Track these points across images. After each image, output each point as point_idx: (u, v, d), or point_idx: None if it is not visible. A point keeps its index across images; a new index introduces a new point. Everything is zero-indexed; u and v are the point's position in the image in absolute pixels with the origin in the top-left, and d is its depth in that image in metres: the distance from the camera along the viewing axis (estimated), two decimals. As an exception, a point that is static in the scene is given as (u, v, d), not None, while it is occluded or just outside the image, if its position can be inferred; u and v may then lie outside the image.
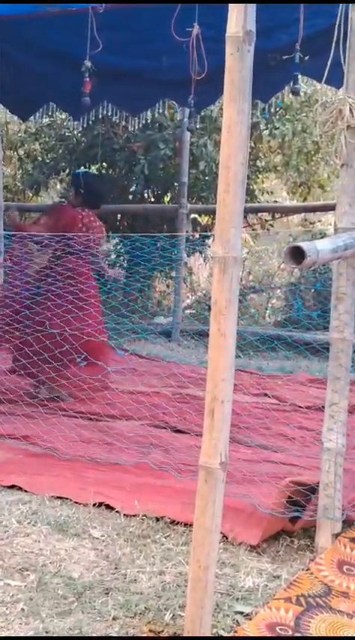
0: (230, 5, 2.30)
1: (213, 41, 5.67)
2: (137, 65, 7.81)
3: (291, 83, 6.59)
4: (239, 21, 2.28)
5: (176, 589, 2.89)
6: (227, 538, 3.34)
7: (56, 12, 7.86)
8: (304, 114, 11.91)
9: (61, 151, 12.73)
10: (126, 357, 7.30)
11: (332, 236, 3.23)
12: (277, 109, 11.36)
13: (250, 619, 2.69)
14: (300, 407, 5.92)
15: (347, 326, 3.24)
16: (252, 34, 2.29)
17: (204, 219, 12.49)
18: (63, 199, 12.62)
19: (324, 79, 3.49)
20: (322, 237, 8.88)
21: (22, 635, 2.53)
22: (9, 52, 8.21)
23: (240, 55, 2.29)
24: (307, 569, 3.10)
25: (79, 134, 12.15)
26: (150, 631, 2.60)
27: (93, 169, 12.50)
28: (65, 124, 12.48)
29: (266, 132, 11.91)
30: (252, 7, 2.29)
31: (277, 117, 11.71)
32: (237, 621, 2.69)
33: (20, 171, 13.74)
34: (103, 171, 12.44)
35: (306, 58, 6.05)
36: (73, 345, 5.50)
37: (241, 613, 2.75)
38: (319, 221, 12.91)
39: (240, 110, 2.32)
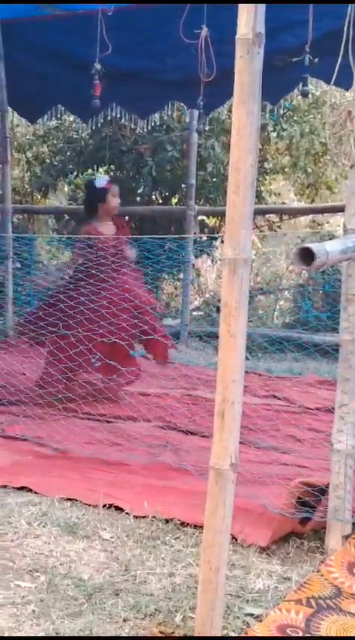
0: (239, 7, 2.30)
1: (221, 43, 5.69)
2: (145, 67, 7.83)
3: (300, 85, 6.60)
4: (248, 23, 2.29)
5: (186, 591, 2.89)
6: (236, 540, 3.34)
7: (64, 14, 7.89)
8: (312, 115, 11.91)
9: (68, 154, 12.75)
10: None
11: (342, 237, 3.23)
12: (285, 111, 11.37)
13: (260, 621, 2.69)
14: (310, 408, 5.92)
15: (357, 327, 3.24)
16: (262, 36, 2.29)
17: (211, 221, 12.50)
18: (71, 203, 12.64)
19: (333, 80, 3.49)
20: (330, 239, 8.88)
21: (32, 635, 2.54)
22: (17, 55, 8.26)
23: (249, 57, 2.29)
24: (317, 571, 3.10)
25: (87, 136, 12.18)
26: (161, 632, 2.61)
27: (101, 171, 12.52)
28: (73, 126, 12.50)
29: (273, 133, 11.91)
30: (261, 10, 2.29)
31: (285, 118, 11.71)
32: (248, 623, 2.69)
33: (28, 173, 13.77)
34: (111, 173, 12.46)
35: (316, 60, 6.05)
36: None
37: (251, 615, 2.75)
38: (327, 222, 12.90)
39: (249, 112, 2.32)
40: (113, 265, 5.73)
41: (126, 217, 12.18)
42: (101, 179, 6.07)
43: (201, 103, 6.87)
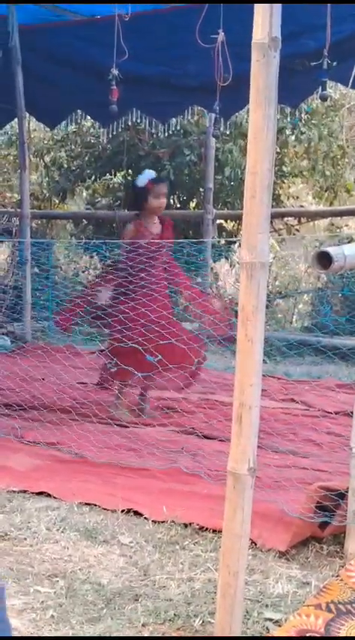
0: (255, 12, 2.30)
1: (238, 47, 5.68)
2: (162, 72, 7.85)
3: (320, 89, 6.59)
4: (264, 27, 2.28)
5: (205, 595, 2.89)
6: (256, 544, 3.33)
7: (81, 20, 7.94)
8: (330, 118, 11.88)
9: (86, 158, 12.79)
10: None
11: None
12: (304, 114, 11.34)
13: (280, 626, 2.68)
14: (328, 412, 5.90)
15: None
16: (278, 40, 2.29)
17: (229, 225, 12.50)
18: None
19: (350, 83, 3.49)
20: (349, 242, 8.84)
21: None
22: (35, 61, 8.30)
23: (265, 61, 2.29)
24: (337, 576, 3.08)
25: (105, 141, 12.20)
26: (180, 638, 2.60)
27: (119, 176, 12.55)
28: (91, 131, 12.53)
29: (292, 137, 11.90)
30: (277, 14, 2.29)
31: (303, 122, 11.69)
32: (267, 628, 2.68)
33: (46, 178, 13.82)
34: (129, 178, 12.47)
35: (334, 64, 6.04)
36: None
37: (271, 620, 2.74)
38: (346, 225, 12.85)
39: (266, 116, 2.32)
40: (160, 266, 5.71)
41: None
42: (143, 177, 5.91)
43: (218, 107, 6.86)
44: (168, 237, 5.91)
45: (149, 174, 5.94)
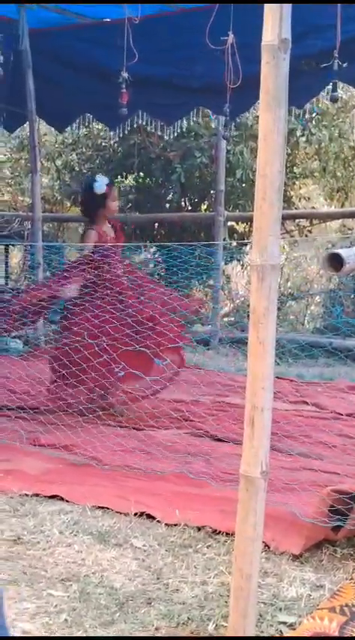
0: (265, 13, 2.29)
1: (247, 48, 5.68)
2: (172, 74, 7.86)
3: (330, 89, 6.58)
4: (274, 29, 2.28)
5: (219, 599, 2.88)
6: (269, 547, 3.32)
7: (91, 24, 7.96)
8: (340, 119, 11.86)
9: (97, 161, 12.81)
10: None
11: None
12: (312, 115, 11.33)
13: (294, 629, 2.67)
14: (341, 414, 5.89)
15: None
16: (288, 42, 2.28)
17: (241, 227, 12.49)
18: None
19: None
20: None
21: None
22: (45, 64, 8.32)
23: (275, 63, 2.29)
24: (350, 579, 3.07)
25: (116, 144, 12.22)
26: (193, 641, 2.60)
27: (130, 178, 12.56)
28: (101, 134, 12.55)
29: (302, 138, 11.88)
30: (287, 15, 2.29)
31: (313, 123, 11.68)
32: (281, 631, 2.67)
33: (58, 182, 13.84)
34: (140, 180, 12.48)
35: (344, 64, 6.03)
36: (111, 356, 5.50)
37: (285, 623, 2.73)
38: (358, 227, 12.83)
39: (276, 118, 2.31)
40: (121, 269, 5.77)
41: (156, 224, 12.21)
42: (100, 183, 6.00)
43: (227, 109, 6.87)
44: (121, 240, 6.01)
45: (104, 179, 6.04)
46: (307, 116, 10.36)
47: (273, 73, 2.30)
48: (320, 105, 10.67)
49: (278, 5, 2.28)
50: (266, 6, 2.30)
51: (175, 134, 8.95)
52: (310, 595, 2.96)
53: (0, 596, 1.05)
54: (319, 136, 11.78)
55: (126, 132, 8.90)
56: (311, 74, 6.62)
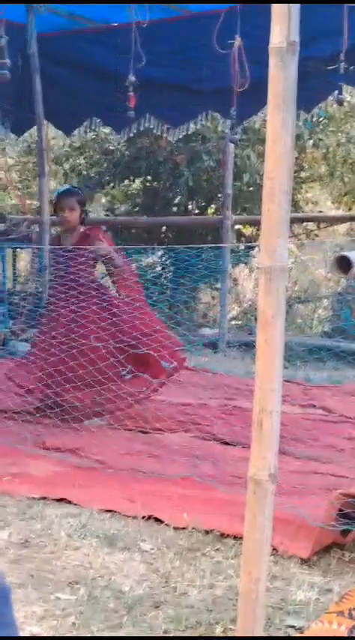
0: (273, 16, 2.29)
1: (255, 52, 5.69)
2: (179, 78, 7.86)
3: (336, 93, 6.58)
4: (282, 31, 2.27)
5: (227, 602, 2.87)
6: (277, 551, 3.32)
7: (98, 28, 7.97)
8: (348, 124, 11.86)
9: (105, 165, 12.82)
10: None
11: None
12: (320, 119, 11.33)
13: (302, 633, 2.66)
14: (349, 417, 5.87)
15: None
16: (296, 44, 2.28)
17: (248, 230, 12.49)
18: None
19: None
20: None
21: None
22: (52, 68, 8.34)
23: (283, 66, 2.28)
24: (359, 582, 3.06)
25: (123, 148, 12.23)
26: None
27: (138, 182, 12.57)
28: (109, 138, 12.57)
29: (310, 142, 11.89)
30: (295, 18, 2.28)
31: (320, 127, 11.68)
32: (289, 635, 2.66)
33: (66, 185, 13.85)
34: (147, 184, 12.49)
35: (351, 67, 6.03)
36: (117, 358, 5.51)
37: (293, 627, 2.72)
38: (365, 230, 12.84)
39: (284, 120, 2.31)
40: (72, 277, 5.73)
41: (163, 227, 12.21)
42: (55, 191, 6.05)
43: (234, 112, 6.87)
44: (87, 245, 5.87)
45: (61, 188, 6.07)
46: (316, 120, 10.35)
47: (281, 76, 2.30)
48: (327, 110, 10.68)
49: (286, 7, 2.27)
50: (274, 8, 2.29)
51: (181, 136, 8.94)
52: (318, 599, 2.95)
53: (7, 595, 1.05)
54: (326, 141, 11.79)
55: (132, 134, 8.89)
56: (320, 78, 6.62)
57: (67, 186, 6.22)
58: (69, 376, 5.41)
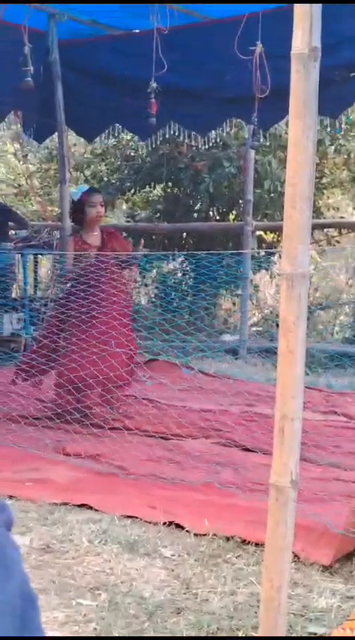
0: (295, 22, 2.29)
1: (277, 58, 5.68)
2: (201, 84, 7.86)
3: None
4: (304, 38, 2.27)
5: (248, 609, 2.86)
6: (299, 558, 3.30)
7: (120, 35, 7.99)
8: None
9: (126, 171, 12.85)
10: (193, 375, 7.30)
11: None
12: (347, 125, 11.29)
13: (324, 640, 2.65)
14: (371, 424, 5.84)
15: None
16: (318, 50, 2.28)
17: (269, 236, 12.47)
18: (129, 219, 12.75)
19: None
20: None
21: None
22: (74, 75, 8.36)
23: (305, 72, 2.28)
24: (381, 590, 3.04)
25: (144, 154, 12.25)
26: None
27: (159, 189, 12.58)
28: (130, 144, 12.59)
29: (331, 148, 11.86)
30: (317, 24, 2.28)
31: (342, 133, 11.65)
32: (311, 642, 2.65)
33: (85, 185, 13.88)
34: (168, 190, 12.50)
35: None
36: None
37: (315, 634, 2.71)
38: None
39: (305, 127, 2.31)
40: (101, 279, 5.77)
41: (184, 233, 12.22)
42: (77, 192, 6.08)
43: (256, 119, 6.87)
44: (112, 248, 5.97)
45: (83, 187, 6.12)
46: (342, 126, 10.32)
47: (303, 82, 2.30)
48: (350, 116, 10.63)
49: (308, 13, 2.27)
50: (296, 15, 2.29)
51: (207, 145, 8.94)
52: (340, 606, 2.93)
53: (34, 600, 1.06)
54: (348, 146, 11.75)
55: (158, 142, 8.90)
56: (345, 84, 6.61)
57: (86, 185, 6.26)
58: (99, 380, 5.47)
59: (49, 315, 5.88)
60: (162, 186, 12.59)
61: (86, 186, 6.19)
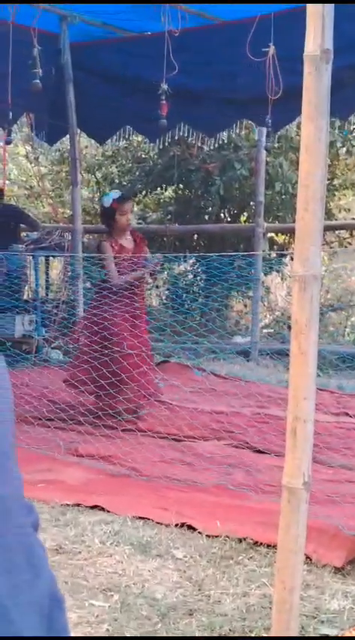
0: (307, 24, 2.29)
1: (289, 60, 5.69)
2: (212, 86, 7.87)
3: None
4: (316, 40, 2.28)
5: (260, 611, 2.86)
6: (311, 559, 3.30)
7: (131, 37, 8.01)
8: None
9: (137, 173, 12.86)
10: (205, 376, 7.30)
11: None
12: (351, 127, 11.28)
13: (336, 642, 2.65)
14: (382, 426, 5.83)
15: None
16: (330, 52, 2.28)
17: (280, 238, 12.46)
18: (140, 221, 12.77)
19: None
20: None
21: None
22: (85, 78, 8.39)
23: (317, 73, 2.28)
24: None
25: (155, 156, 12.26)
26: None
27: (170, 190, 12.60)
28: (141, 146, 12.61)
29: (343, 149, 11.85)
30: (329, 26, 2.29)
31: (354, 134, 11.64)
32: (323, 644, 2.65)
33: (98, 194, 13.92)
34: (180, 192, 12.51)
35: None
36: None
37: (327, 636, 2.71)
38: None
39: (318, 128, 2.31)
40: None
41: (195, 235, 12.22)
42: (108, 198, 6.12)
43: (269, 120, 6.87)
44: (141, 251, 6.07)
45: (114, 194, 6.18)
46: (352, 127, 10.32)
47: (315, 84, 2.30)
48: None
49: (320, 15, 2.28)
50: (309, 17, 2.30)
51: (216, 146, 8.95)
52: (352, 608, 2.93)
53: (60, 600, 1.06)
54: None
55: (167, 144, 8.92)
56: (353, 86, 6.60)
57: (117, 191, 6.31)
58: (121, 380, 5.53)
59: (89, 322, 5.92)
60: (173, 188, 12.60)
61: (116, 193, 6.21)
